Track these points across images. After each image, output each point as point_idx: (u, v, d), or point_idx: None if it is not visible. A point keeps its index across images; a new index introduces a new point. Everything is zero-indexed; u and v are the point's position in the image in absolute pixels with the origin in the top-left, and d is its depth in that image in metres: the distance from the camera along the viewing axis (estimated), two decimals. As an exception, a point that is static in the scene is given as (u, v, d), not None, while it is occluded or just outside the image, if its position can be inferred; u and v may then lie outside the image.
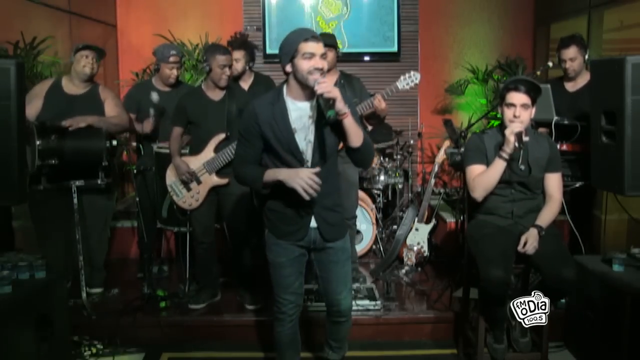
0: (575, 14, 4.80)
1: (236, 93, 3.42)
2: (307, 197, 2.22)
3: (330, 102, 2.11)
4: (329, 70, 3.65)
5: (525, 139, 2.68)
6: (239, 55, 3.96)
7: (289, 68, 2.24)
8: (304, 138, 2.29)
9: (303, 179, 2.21)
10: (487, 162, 2.82)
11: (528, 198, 2.83)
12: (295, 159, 2.29)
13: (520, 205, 2.82)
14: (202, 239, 3.47)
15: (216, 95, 3.36)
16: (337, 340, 2.67)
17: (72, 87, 3.53)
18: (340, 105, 2.13)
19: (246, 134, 2.34)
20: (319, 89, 2.11)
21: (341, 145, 2.36)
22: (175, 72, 3.84)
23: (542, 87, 3.38)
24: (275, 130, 2.27)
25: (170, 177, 3.47)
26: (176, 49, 3.92)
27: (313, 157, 2.30)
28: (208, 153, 3.36)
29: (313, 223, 2.38)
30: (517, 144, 2.67)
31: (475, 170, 2.84)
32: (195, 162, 3.38)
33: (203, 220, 3.45)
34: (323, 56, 2.21)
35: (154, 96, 3.71)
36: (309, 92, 2.25)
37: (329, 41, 3.36)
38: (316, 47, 2.19)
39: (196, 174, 3.37)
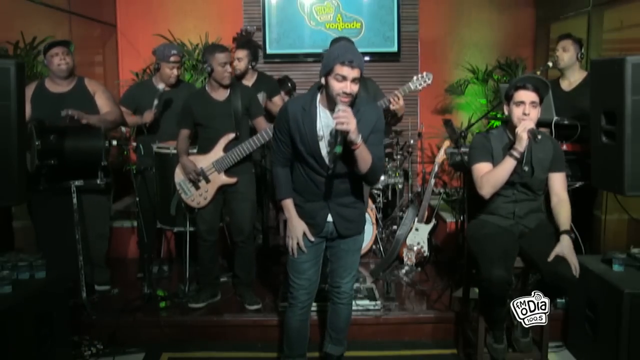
0: (575, 14, 4.81)
1: (240, 91, 3.42)
2: (292, 246, 2.51)
3: (343, 135, 2.20)
4: None
5: (539, 136, 2.62)
6: (242, 54, 3.97)
7: (323, 81, 2.33)
8: (327, 145, 2.38)
9: (294, 238, 2.50)
10: (493, 161, 2.80)
11: (530, 199, 2.83)
12: (317, 164, 2.42)
13: (522, 206, 2.82)
14: (207, 237, 3.48)
15: (220, 95, 3.37)
16: (336, 330, 2.73)
17: (56, 86, 3.51)
18: (354, 136, 2.23)
19: (279, 131, 2.47)
20: (335, 119, 2.20)
21: None
22: (175, 71, 3.84)
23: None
24: (302, 134, 2.38)
25: (179, 175, 3.47)
26: (176, 48, 3.91)
27: (335, 165, 2.38)
28: (217, 152, 3.36)
29: (330, 218, 2.52)
30: (533, 140, 2.62)
31: (482, 168, 2.80)
32: (205, 161, 3.39)
33: (209, 218, 3.46)
34: (355, 81, 2.28)
35: (160, 86, 3.72)
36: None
37: None
38: (350, 72, 2.25)
39: (205, 172, 3.38)
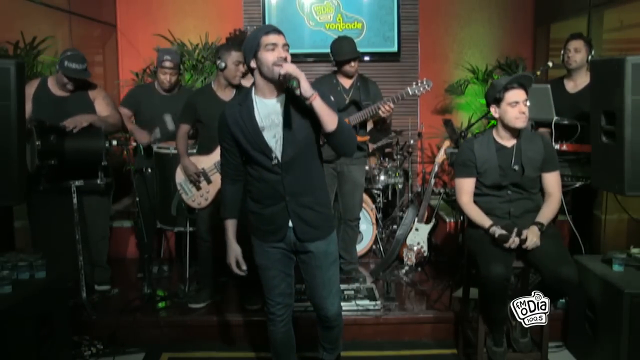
0: (575, 14, 4.80)
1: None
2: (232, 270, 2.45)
3: (293, 78, 2.08)
4: (350, 77, 3.65)
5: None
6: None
7: (253, 64, 2.22)
8: (273, 136, 2.26)
9: (229, 259, 2.44)
10: (478, 171, 2.83)
11: (524, 198, 2.83)
12: (265, 157, 2.27)
13: (517, 206, 2.82)
14: (207, 237, 3.48)
15: (226, 95, 3.37)
16: (329, 342, 2.65)
17: (59, 89, 3.49)
18: (306, 86, 2.10)
19: (222, 140, 2.36)
20: (283, 69, 2.10)
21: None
22: (168, 77, 3.81)
23: (542, 87, 3.41)
24: (244, 130, 2.27)
25: (180, 175, 3.47)
26: (172, 54, 3.84)
27: (283, 153, 2.26)
28: (219, 152, 3.35)
29: (290, 223, 2.35)
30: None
31: (463, 183, 2.88)
32: (207, 162, 3.39)
33: (209, 219, 3.46)
34: (285, 47, 2.19)
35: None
36: (275, 88, 2.23)
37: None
38: (278, 39, 2.18)
39: (207, 173, 3.38)
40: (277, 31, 2.20)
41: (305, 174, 2.33)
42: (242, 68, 3.31)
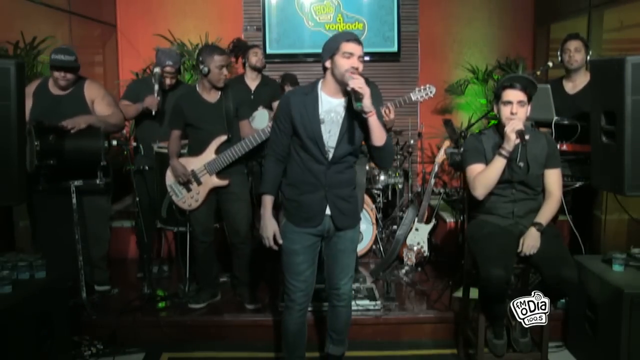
0: (575, 14, 4.81)
1: (231, 92, 3.38)
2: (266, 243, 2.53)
3: (360, 96, 2.27)
4: None
5: (527, 136, 2.67)
6: (259, 50, 4.22)
7: (328, 64, 2.40)
8: (329, 130, 2.43)
9: (267, 233, 2.51)
10: (486, 162, 2.82)
11: (529, 198, 2.83)
12: (316, 147, 2.43)
13: (521, 206, 2.83)
14: (203, 238, 3.47)
15: (212, 97, 3.36)
16: (337, 331, 2.72)
17: (56, 88, 3.48)
18: (368, 102, 2.29)
19: (279, 118, 2.50)
20: (352, 83, 2.27)
21: None
22: (168, 80, 3.80)
23: (542, 87, 3.40)
24: (304, 117, 2.42)
25: (170, 177, 3.47)
26: (174, 59, 3.80)
27: (336, 150, 2.43)
28: (209, 154, 3.35)
29: (328, 211, 2.50)
30: (518, 142, 2.67)
31: (475, 169, 2.84)
32: (197, 163, 3.38)
33: (203, 219, 3.46)
34: (360, 58, 2.37)
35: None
36: (342, 89, 2.41)
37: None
38: (356, 49, 2.36)
39: (196, 174, 3.37)
40: (358, 41, 2.39)
41: (346, 171, 2.51)
42: (225, 71, 3.29)
